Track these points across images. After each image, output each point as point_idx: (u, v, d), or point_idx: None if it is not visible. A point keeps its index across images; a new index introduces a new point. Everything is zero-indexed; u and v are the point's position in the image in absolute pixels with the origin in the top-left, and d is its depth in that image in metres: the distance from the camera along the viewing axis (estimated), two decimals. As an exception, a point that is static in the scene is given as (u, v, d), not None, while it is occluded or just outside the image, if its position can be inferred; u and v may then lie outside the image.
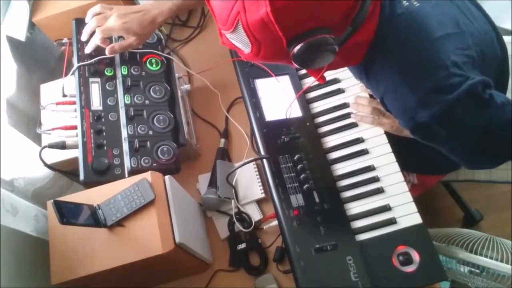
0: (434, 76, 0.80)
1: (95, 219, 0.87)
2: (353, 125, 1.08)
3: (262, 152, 1.06)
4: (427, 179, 1.36)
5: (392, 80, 0.84)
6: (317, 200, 0.99)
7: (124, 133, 1.05)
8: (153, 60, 1.16)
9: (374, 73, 0.87)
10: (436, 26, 0.82)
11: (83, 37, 1.10)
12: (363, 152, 1.04)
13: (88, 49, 1.10)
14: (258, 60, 0.80)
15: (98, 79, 1.11)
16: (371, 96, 1.09)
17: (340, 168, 1.04)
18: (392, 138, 1.06)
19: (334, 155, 1.06)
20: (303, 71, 1.17)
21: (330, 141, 1.08)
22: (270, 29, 0.70)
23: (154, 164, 1.02)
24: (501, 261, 1.18)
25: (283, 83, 1.15)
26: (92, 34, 1.08)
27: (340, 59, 0.83)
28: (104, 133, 1.05)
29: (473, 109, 0.81)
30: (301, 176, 1.01)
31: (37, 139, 1.13)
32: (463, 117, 0.82)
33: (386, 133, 1.06)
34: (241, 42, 0.76)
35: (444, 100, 0.79)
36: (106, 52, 1.09)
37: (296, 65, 0.76)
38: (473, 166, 1.00)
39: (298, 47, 0.72)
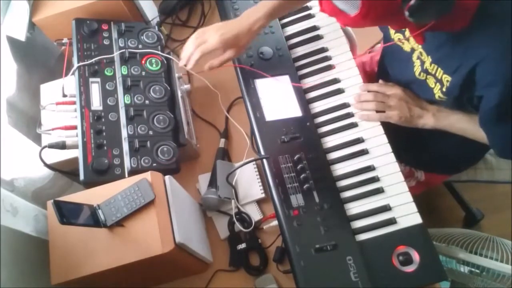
0: None
1: (95, 219, 0.87)
2: (353, 125, 1.08)
3: (262, 152, 1.06)
4: (434, 177, 1.36)
5: (500, 44, 0.82)
6: (317, 200, 0.99)
7: (124, 133, 1.05)
8: (153, 60, 1.16)
9: (470, 37, 0.85)
10: None
11: (182, 62, 1.07)
12: (363, 152, 1.04)
13: (189, 66, 1.07)
14: (364, 22, 0.79)
15: (98, 79, 1.11)
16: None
17: (340, 168, 1.04)
18: (403, 135, 1.05)
19: (334, 155, 1.06)
20: (303, 72, 1.17)
21: (330, 141, 1.08)
22: None
23: (154, 164, 1.02)
24: (501, 261, 1.18)
25: (283, 83, 1.15)
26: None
27: (449, 20, 0.82)
28: (104, 133, 1.05)
29: None
30: (301, 176, 1.01)
31: (37, 139, 1.13)
32: None
33: (393, 131, 1.06)
34: (349, 3, 0.75)
35: None
36: (206, 67, 1.08)
37: (408, 19, 0.75)
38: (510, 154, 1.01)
39: (411, 3, 0.71)
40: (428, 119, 1.05)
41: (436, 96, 1.00)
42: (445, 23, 0.84)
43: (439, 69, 0.96)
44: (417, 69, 1.02)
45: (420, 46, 0.98)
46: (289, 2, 1.09)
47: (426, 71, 1.00)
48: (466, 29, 0.86)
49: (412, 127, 1.08)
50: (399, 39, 1.03)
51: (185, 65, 1.07)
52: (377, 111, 1.08)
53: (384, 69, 1.18)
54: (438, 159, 1.27)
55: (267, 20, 1.07)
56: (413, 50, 1.02)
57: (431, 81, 1.00)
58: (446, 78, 0.94)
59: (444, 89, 0.97)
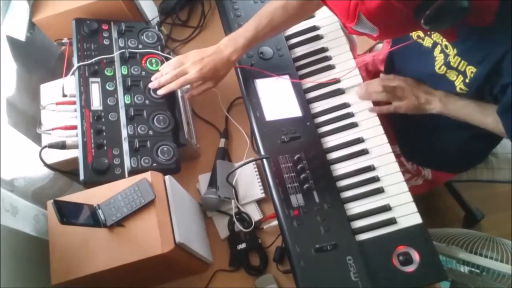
0: None
1: (95, 219, 0.87)
2: (353, 125, 1.08)
3: (262, 152, 1.06)
4: (441, 176, 1.36)
5: None
6: (317, 200, 0.99)
7: (124, 133, 1.05)
8: (153, 60, 1.16)
9: (499, 28, 0.86)
10: None
11: (154, 85, 1.10)
12: (363, 152, 1.04)
13: (162, 93, 1.10)
14: (389, 37, 0.86)
15: (98, 79, 1.11)
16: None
17: (340, 168, 1.04)
18: (411, 134, 1.04)
19: (334, 155, 1.06)
20: (303, 71, 1.17)
21: (330, 141, 1.08)
22: (393, 8, 0.73)
23: (154, 164, 1.02)
24: (501, 261, 1.18)
25: (283, 83, 1.15)
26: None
27: (475, 17, 0.83)
28: (104, 133, 1.05)
29: None
30: (301, 176, 1.01)
31: (37, 139, 1.12)
32: None
33: (400, 130, 1.06)
34: (367, 28, 0.80)
35: None
36: (186, 97, 1.15)
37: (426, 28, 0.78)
38: None
39: (426, 15, 0.74)
40: (435, 104, 1.05)
41: (458, 89, 1.00)
42: (472, 20, 0.85)
43: (463, 61, 0.96)
44: (438, 63, 1.02)
45: (444, 39, 0.98)
46: (267, 33, 1.11)
47: (447, 64, 1.00)
48: (494, 23, 0.86)
49: (420, 113, 1.08)
50: (418, 36, 1.04)
51: (156, 89, 1.10)
52: (385, 103, 1.09)
53: (393, 68, 1.18)
54: (446, 157, 1.26)
55: (245, 51, 1.10)
56: (435, 44, 1.02)
57: (451, 74, 1.00)
58: (471, 69, 0.94)
59: (467, 80, 0.97)
